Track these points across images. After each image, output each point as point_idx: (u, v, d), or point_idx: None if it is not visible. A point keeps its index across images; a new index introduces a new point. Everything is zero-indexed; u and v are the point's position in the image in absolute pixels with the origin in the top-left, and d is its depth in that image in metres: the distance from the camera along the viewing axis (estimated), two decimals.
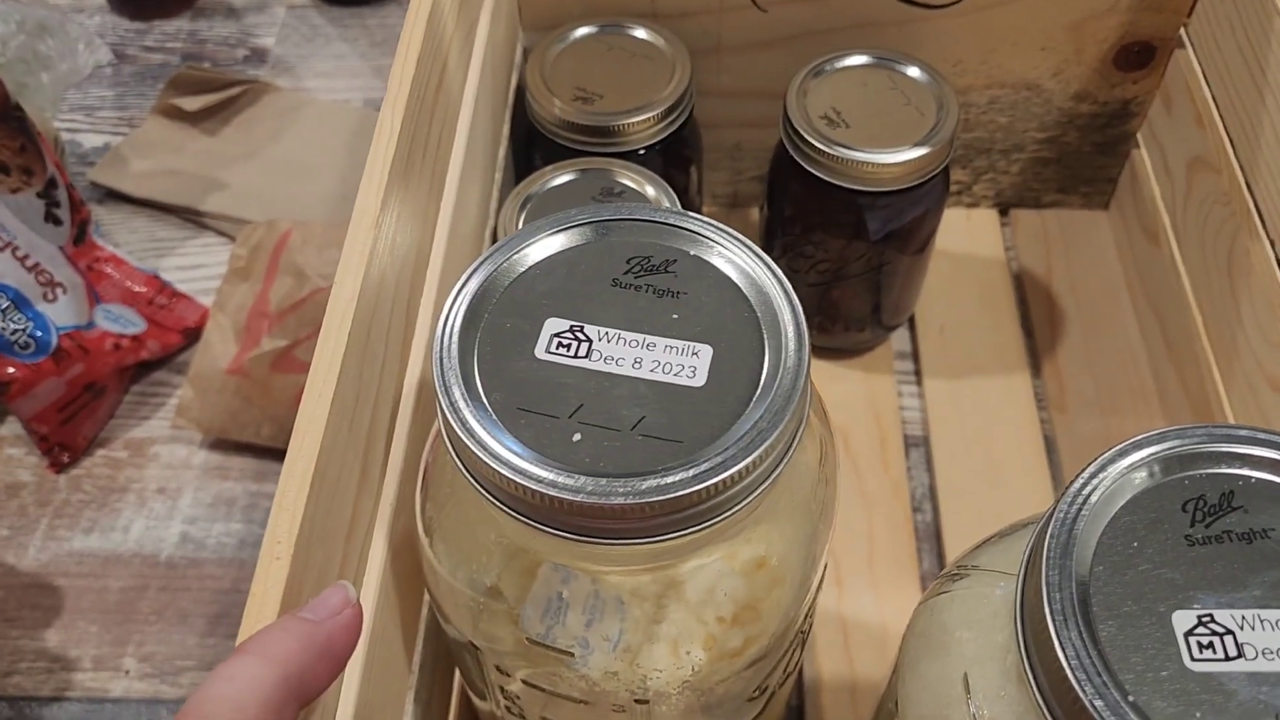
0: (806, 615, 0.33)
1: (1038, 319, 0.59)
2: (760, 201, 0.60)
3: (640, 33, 0.52)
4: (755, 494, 0.26)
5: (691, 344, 0.27)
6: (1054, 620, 0.23)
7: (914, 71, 0.49)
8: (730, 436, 0.25)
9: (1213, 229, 0.50)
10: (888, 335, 0.58)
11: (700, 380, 0.27)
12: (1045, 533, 0.24)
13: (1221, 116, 0.50)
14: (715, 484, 0.25)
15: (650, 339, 0.27)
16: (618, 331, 0.27)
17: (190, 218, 0.66)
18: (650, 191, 0.46)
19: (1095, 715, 0.22)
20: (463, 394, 0.26)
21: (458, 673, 0.40)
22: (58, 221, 0.57)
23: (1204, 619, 0.23)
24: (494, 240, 0.46)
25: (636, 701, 0.30)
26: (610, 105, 0.49)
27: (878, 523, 0.51)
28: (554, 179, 0.47)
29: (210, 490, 0.55)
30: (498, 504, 0.26)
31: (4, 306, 0.53)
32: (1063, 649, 0.23)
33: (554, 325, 0.28)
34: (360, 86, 0.73)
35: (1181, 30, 0.54)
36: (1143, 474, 0.25)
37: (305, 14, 0.78)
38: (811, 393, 0.29)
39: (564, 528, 0.25)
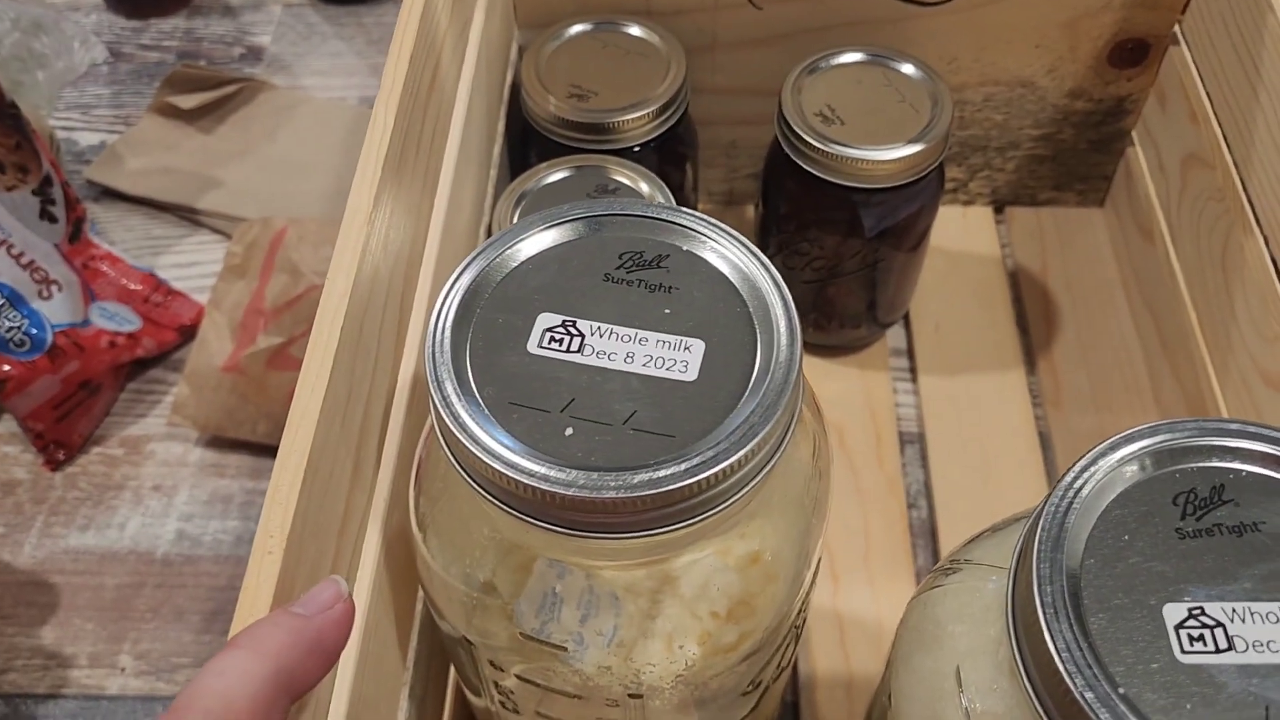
0: (800, 610, 0.33)
1: (1033, 316, 0.59)
2: (755, 199, 0.60)
3: (635, 30, 0.52)
4: (747, 488, 0.26)
5: (683, 339, 0.27)
6: (1045, 613, 0.23)
7: (908, 68, 0.49)
8: (722, 431, 0.25)
9: (1207, 225, 0.50)
10: (883, 332, 0.58)
11: (692, 375, 0.27)
12: (1036, 526, 0.25)
13: (1215, 113, 0.50)
14: (707, 478, 0.25)
15: (642, 334, 0.27)
16: (610, 326, 0.27)
17: (186, 215, 0.66)
18: (645, 188, 0.46)
19: (1086, 707, 0.22)
20: (455, 388, 0.26)
21: (452, 668, 0.40)
22: (53, 219, 0.57)
23: (1194, 611, 0.23)
24: (489, 237, 0.46)
25: (630, 696, 0.30)
26: (605, 102, 0.49)
27: (873, 519, 0.51)
28: (549, 176, 0.47)
29: (206, 487, 0.55)
30: (491, 498, 0.26)
31: None
32: (1053, 641, 0.23)
33: (546, 320, 0.28)
34: (356, 85, 0.73)
35: (1175, 27, 0.54)
36: (1134, 467, 0.25)
37: (301, 12, 0.78)
38: (805, 387, 0.29)
39: (556, 522, 0.25)
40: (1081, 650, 0.23)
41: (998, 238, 0.62)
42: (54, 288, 0.56)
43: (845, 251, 0.51)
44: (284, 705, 0.24)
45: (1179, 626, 0.23)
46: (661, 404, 0.26)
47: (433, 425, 0.28)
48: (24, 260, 0.55)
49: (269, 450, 0.55)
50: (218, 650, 0.24)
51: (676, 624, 0.29)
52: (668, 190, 0.46)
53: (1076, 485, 0.25)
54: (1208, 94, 0.51)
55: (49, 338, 0.54)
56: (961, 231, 0.62)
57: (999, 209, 0.63)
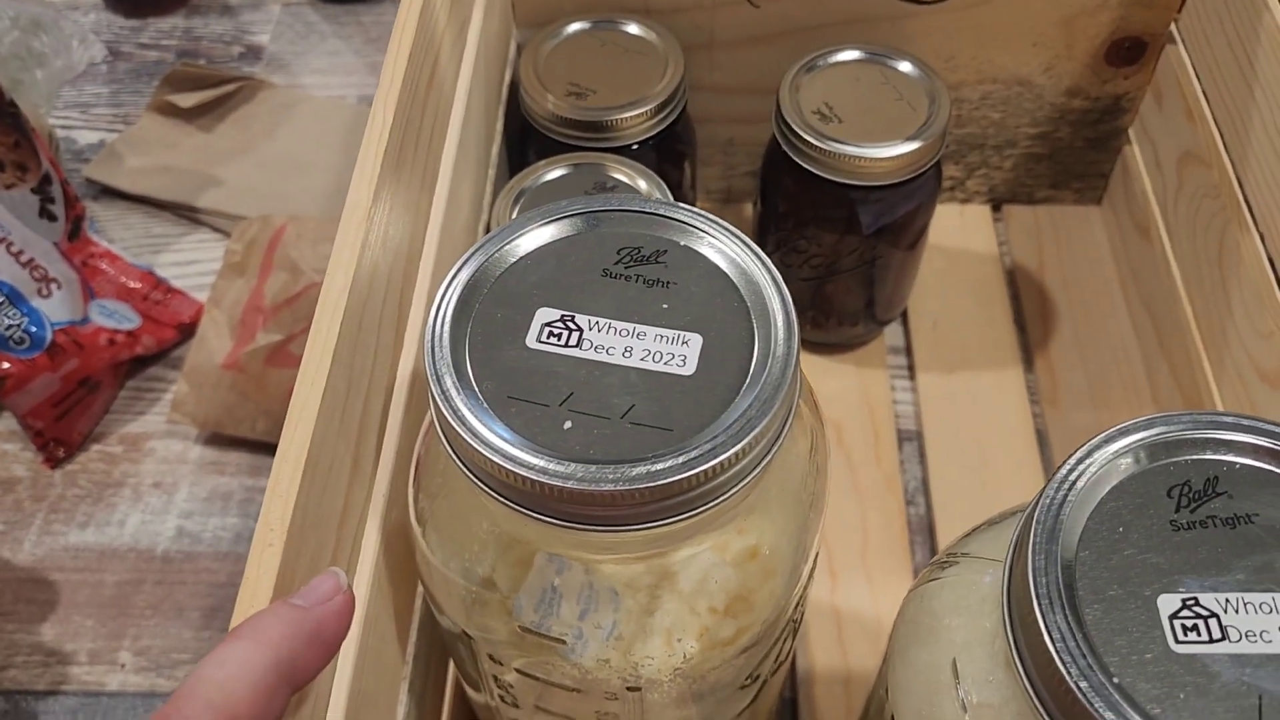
0: (798, 604, 0.33)
1: (1030, 313, 0.59)
2: (753, 197, 0.61)
3: (633, 28, 0.52)
4: (745, 481, 0.26)
5: (681, 333, 0.27)
6: (1040, 604, 0.23)
7: (905, 66, 0.49)
8: (720, 424, 0.26)
9: (1203, 222, 0.50)
10: (881, 330, 0.58)
11: (690, 369, 0.27)
12: (1032, 518, 0.25)
13: (1212, 111, 0.50)
14: (704, 471, 0.25)
15: (640, 328, 0.27)
16: (608, 321, 0.28)
17: (185, 214, 0.66)
18: (643, 186, 0.46)
19: (1081, 697, 0.22)
20: (454, 382, 0.26)
21: (452, 663, 0.40)
22: (52, 217, 0.57)
23: (1188, 602, 0.23)
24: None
25: (629, 689, 0.30)
26: (603, 100, 0.49)
27: (871, 516, 0.51)
28: (547, 173, 0.47)
29: (206, 485, 0.55)
30: (490, 492, 0.26)
31: None
32: (1048, 632, 0.23)
33: (545, 315, 0.28)
34: (355, 83, 0.73)
35: (1172, 25, 0.54)
36: (1128, 460, 0.25)
37: (300, 11, 0.78)
38: (802, 383, 0.30)
39: (555, 515, 0.26)
40: (1076, 640, 0.23)
41: (995, 236, 0.62)
42: (53, 286, 0.56)
43: (843, 249, 0.51)
44: (285, 695, 0.24)
45: (1173, 617, 0.23)
46: (659, 398, 0.26)
47: (432, 421, 0.28)
48: (23, 258, 0.55)
49: (268, 448, 0.56)
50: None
51: (675, 619, 0.29)
52: (666, 188, 0.46)
53: (1072, 478, 0.25)
54: (1204, 92, 0.51)
55: (48, 335, 0.54)
56: (959, 229, 0.62)
57: (996, 207, 0.63)
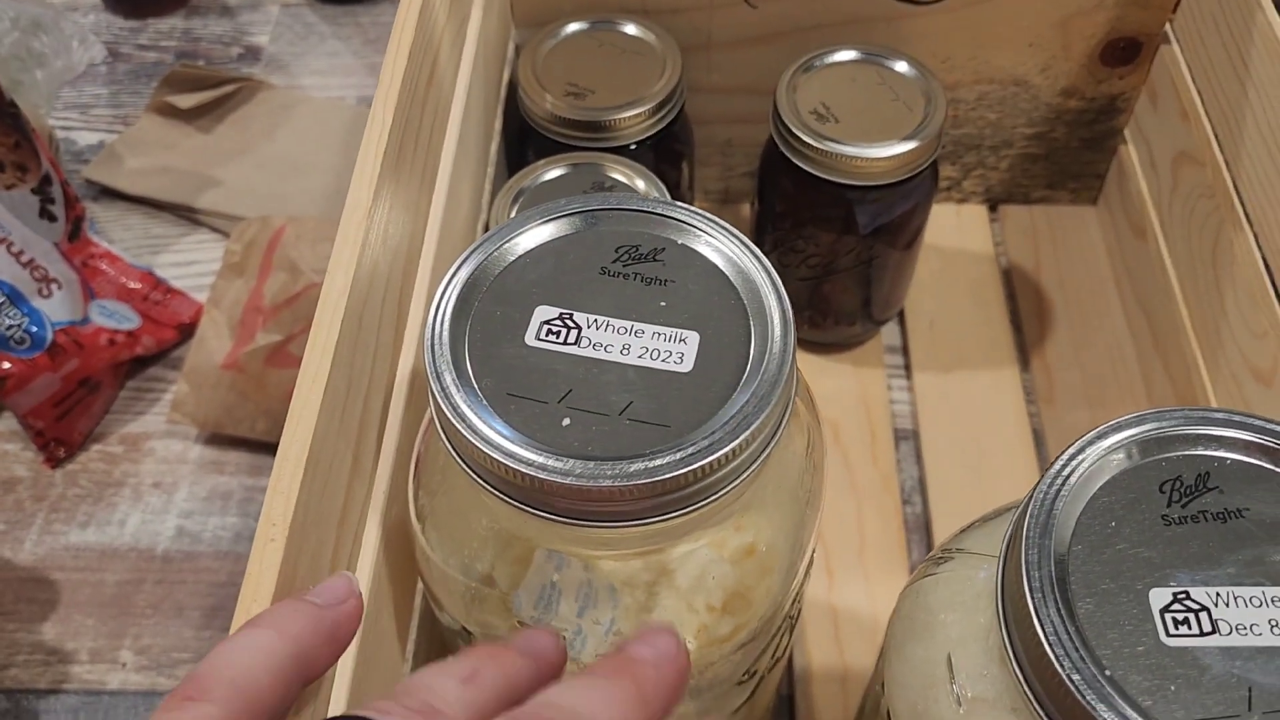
0: (795, 600, 0.33)
1: (1026, 313, 0.59)
2: (751, 197, 0.61)
3: (631, 29, 0.52)
4: (742, 478, 0.26)
5: (679, 330, 0.28)
6: (1033, 598, 0.24)
7: (902, 67, 0.50)
8: (717, 421, 0.26)
9: (1198, 222, 0.50)
10: (878, 329, 0.58)
11: (687, 366, 0.27)
12: (1025, 513, 0.25)
13: (1206, 111, 0.50)
14: (702, 467, 0.25)
15: (638, 326, 0.28)
16: (606, 319, 0.28)
17: (185, 214, 0.66)
18: (641, 186, 0.46)
19: (1073, 690, 0.22)
20: (454, 380, 0.27)
21: None
22: (52, 218, 0.57)
23: (1180, 596, 0.24)
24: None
25: None
26: (602, 101, 0.49)
27: (868, 515, 0.52)
28: (546, 173, 0.47)
29: (206, 484, 0.55)
30: (489, 488, 0.26)
31: None
32: (1041, 626, 0.23)
33: (544, 313, 0.28)
34: (354, 84, 0.73)
35: (1167, 26, 0.54)
36: (1121, 455, 0.26)
37: (299, 12, 0.78)
38: (799, 381, 0.30)
39: (553, 510, 0.26)
40: (1069, 634, 0.23)
41: (991, 235, 0.62)
42: (53, 286, 0.56)
43: (840, 249, 0.51)
44: (299, 687, 0.24)
45: (1164, 610, 0.24)
46: (657, 395, 0.26)
47: (431, 418, 0.28)
48: (24, 258, 0.55)
49: (268, 447, 0.56)
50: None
51: (672, 616, 0.29)
52: (664, 188, 0.46)
53: (1065, 473, 0.25)
54: (1198, 92, 0.51)
55: (49, 335, 0.55)
56: (955, 229, 0.62)
57: (993, 207, 0.64)
